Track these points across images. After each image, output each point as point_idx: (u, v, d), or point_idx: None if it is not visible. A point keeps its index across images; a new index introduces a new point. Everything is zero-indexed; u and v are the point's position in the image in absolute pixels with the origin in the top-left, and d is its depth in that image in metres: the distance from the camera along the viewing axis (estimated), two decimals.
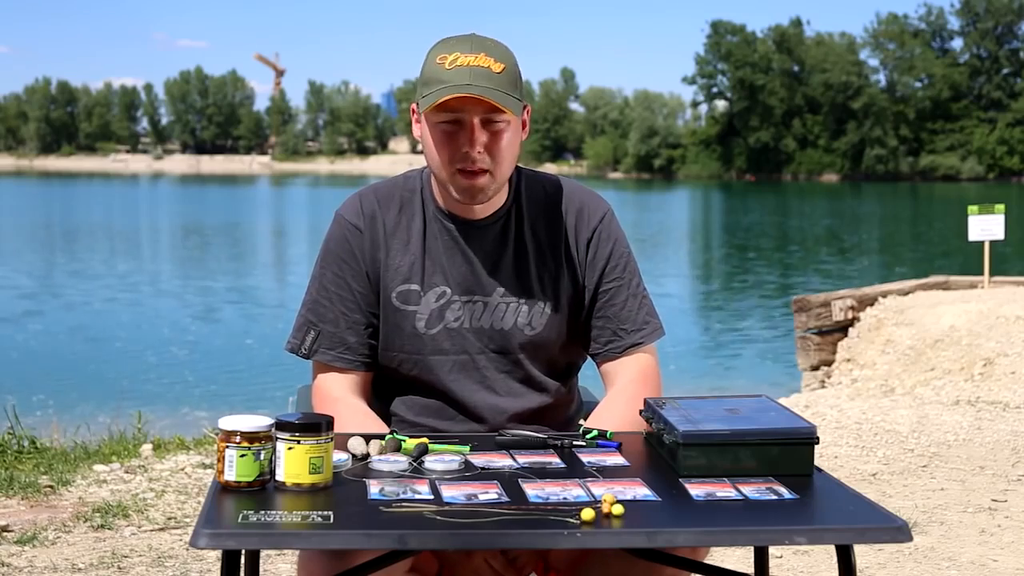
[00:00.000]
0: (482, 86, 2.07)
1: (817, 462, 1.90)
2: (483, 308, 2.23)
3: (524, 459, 1.93)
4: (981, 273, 9.62)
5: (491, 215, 2.24)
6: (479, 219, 2.24)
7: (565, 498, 1.71)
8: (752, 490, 1.77)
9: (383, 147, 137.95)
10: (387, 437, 1.98)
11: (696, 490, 1.77)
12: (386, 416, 2.28)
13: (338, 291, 2.24)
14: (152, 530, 4.07)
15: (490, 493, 1.73)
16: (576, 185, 2.33)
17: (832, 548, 1.71)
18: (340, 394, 2.22)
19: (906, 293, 9.35)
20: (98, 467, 4.93)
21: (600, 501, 1.66)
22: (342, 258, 2.25)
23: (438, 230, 2.24)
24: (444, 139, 2.13)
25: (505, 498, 1.71)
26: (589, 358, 2.34)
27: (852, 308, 8.96)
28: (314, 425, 1.73)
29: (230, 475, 1.71)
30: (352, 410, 2.18)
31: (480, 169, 2.13)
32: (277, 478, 1.73)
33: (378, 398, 2.31)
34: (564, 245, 2.26)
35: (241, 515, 1.61)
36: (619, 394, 2.25)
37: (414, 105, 2.21)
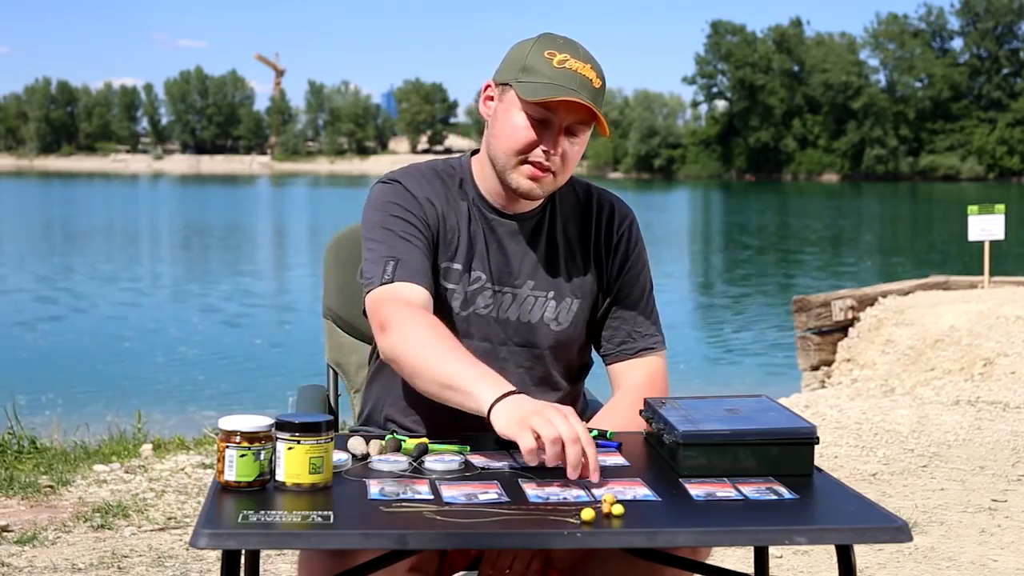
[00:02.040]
0: (587, 96, 2.11)
1: (817, 462, 1.90)
2: (512, 299, 2.25)
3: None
4: (981, 273, 9.63)
5: (529, 211, 2.27)
6: (518, 213, 2.26)
7: (565, 498, 1.71)
8: (752, 490, 1.77)
9: (383, 147, 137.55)
10: (387, 437, 1.98)
11: (696, 490, 1.77)
12: (399, 399, 2.27)
13: (407, 236, 2.17)
14: (152, 530, 4.07)
15: (490, 493, 1.73)
16: (603, 190, 2.38)
17: (832, 548, 1.72)
18: (424, 305, 2.11)
19: (906, 293, 9.35)
20: (98, 467, 4.93)
21: (600, 501, 1.66)
22: (408, 209, 2.20)
23: (479, 218, 2.26)
24: (528, 130, 2.15)
25: (505, 498, 1.71)
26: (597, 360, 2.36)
27: (852, 308, 8.96)
28: (314, 425, 1.73)
29: (230, 475, 1.71)
30: (441, 328, 2.06)
31: (549, 169, 2.16)
32: (277, 478, 1.73)
33: (395, 379, 2.26)
34: (592, 246, 2.31)
35: (241, 515, 1.61)
36: (624, 397, 2.26)
37: (491, 81, 2.22)
